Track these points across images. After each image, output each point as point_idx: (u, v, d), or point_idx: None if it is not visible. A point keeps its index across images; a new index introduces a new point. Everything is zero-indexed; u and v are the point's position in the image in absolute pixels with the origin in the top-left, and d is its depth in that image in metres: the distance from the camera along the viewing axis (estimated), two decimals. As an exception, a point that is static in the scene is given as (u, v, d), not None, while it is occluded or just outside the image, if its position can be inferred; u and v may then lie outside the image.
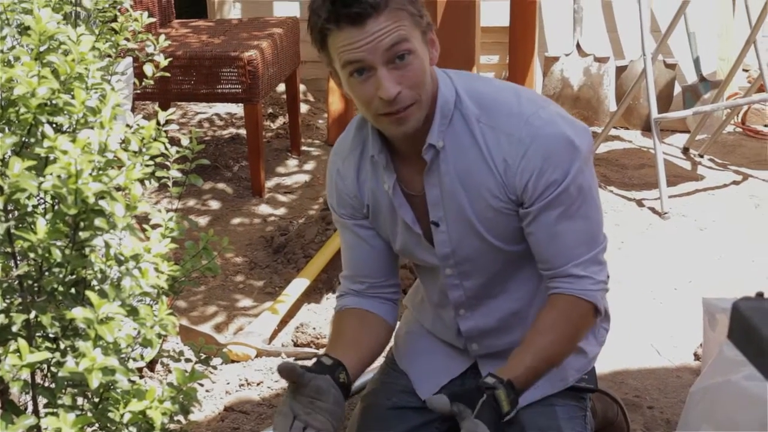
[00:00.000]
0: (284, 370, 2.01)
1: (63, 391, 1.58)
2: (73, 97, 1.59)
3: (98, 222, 1.49)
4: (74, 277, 1.59)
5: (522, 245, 2.10)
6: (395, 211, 2.12)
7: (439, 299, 2.24)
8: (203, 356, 1.92)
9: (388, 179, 2.08)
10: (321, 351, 3.41)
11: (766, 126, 5.39)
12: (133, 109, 3.62)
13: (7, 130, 1.58)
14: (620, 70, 5.38)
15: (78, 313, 1.44)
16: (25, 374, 1.46)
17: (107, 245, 1.57)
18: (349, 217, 2.19)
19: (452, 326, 2.25)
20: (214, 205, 4.64)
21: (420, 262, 2.21)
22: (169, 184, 1.98)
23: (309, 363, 3.32)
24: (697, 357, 3.32)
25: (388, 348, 2.47)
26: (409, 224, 2.12)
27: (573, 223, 2.03)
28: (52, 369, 1.61)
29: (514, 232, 2.08)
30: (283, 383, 3.24)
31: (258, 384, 3.24)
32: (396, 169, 2.09)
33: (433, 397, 1.93)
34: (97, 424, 1.57)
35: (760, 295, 1.94)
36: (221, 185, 4.81)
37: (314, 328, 3.48)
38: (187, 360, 1.96)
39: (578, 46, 5.45)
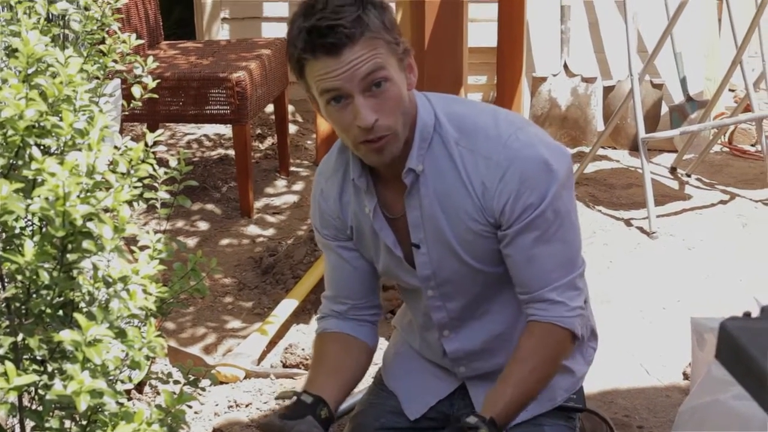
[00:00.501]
0: (264, 428, 2.03)
1: (51, 414, 1.57)
2: (61, 119, 1.59)
3: (86, 244, 1.49)
4: (62, 299, 1.59)
5: (502, 267, 2.10)
6: (377, 233, 2.12)
7: (424, 321, 2.24)
8: (192, 378, 1.91)
9: (369, 203, 2.09)
10: (310, 372, 3.41)
11: (752, 146, 5.41)
12: (121, 131, 3.62)
13: (-6, 152, 1.58)
14: (607, 90, 5.40)
15: (66, 336, 1.44)
16: (13, 397, 1.45)
17: (95, 267, 1.57)
18: (332, 238, 2.20)
19: (438, 348, 2.25)
20: (203, 226, 4.64)
21: (403, 283, 2.22)
22: (158, 205, 1.98)
23: (294, 388, 3.32)
24: (686, 376, 3.33)
25: (376, 369, 2.46)
26: (390, 247, 2.12)
27: (550, 246, 2.03)
28: (40, 392, 1.60)
29: (493, 254, 2.08)
30: (272, 405, 3.24)
31: (247, 405, 3.23)
32: (377, 192, 2.09)
33: None
34: (84, 447, 1.56)
35: (747, 314, 1.94)
36: (210, 206, 4.81)
37: (303, 349, 3.48)
38: (176, 382, 1.96)
39: (566, 66, 5.47)
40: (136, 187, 1.73)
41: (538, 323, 2.06)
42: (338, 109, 1.93)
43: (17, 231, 1.56)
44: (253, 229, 4.58)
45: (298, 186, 5.06)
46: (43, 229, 1.59)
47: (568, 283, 2.06)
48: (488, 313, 2.18)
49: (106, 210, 1.53)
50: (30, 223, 1.66)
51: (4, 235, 1.53)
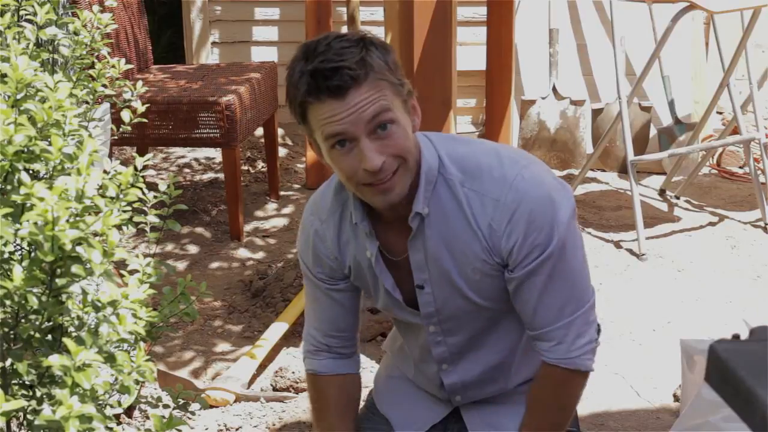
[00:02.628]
0: None
1: (39, 439, 1.56)
2: (50, 144, 1.59)
3: (75, 269, 1.49)
4: (51, 324, 1.59)
5: (508, 302, 2.09)
6: (373, 277, 2.11)
7: (421, 355, 2.23)
8: (181, 402, 1.91)
9: (370, 247, 2.07)
10: (300, 396, 3.40)
11: (741, 168, 5.43)
12: (110, 155, 3.62)
13: (-17, 177, 1.58)
14: (596, 112, 5.42)
15: (55, 361, 1.44)
16: (1, 423, 1.45)
17: (84, 292, 1.57)
18: (325, 278, 2.17)
19: (435, 380, 2.24)
20: (193, 249, 4.63)
21: (402, 319, 2.21)
22: (147, 229, 1.98)
23: (286, 404, 3.31)
24: (676, 398, 3.33)
25: (367, 392, 2.46)
26: (389, 290, 2.11)
27: (559, 283, 2.02)
28: (29, 417, 1.60)
29: (500, 291, 2.07)
30: (262, 429, 3.23)
31: (237, 429, 3.22)
32: (377, 235, 2.07)
33: None
34: (73, 473, 1.56)
35: (736, 336, 1.95)
36: (199, 229, 4.80)
37: (293, 372, 3.47)
38: (165, 406, 1.96)
39: (554, 89, 5.49)
40: (125, 211, 1.73)
41: (552, 368, 2.07)
42: (343, 153, 1.89)
43: (6, 256, 1.55)
44: (242, 253, 4.58)
45: (288, 209, 5.06)
46: (32, 254, 1.59)
47: (580, 318, 2.04)
48: (487, 345, 2.17)
49: (95, 234, 1.53)
50: (19, 247, 1.66)
51: (-8, 259, 1.53)
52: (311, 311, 2.26)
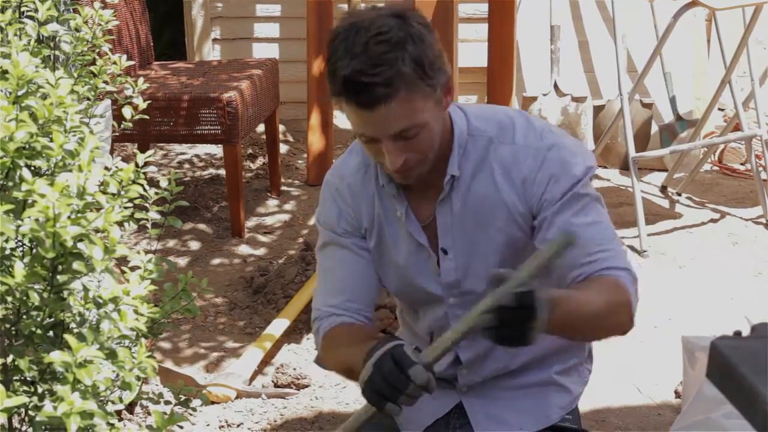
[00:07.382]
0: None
1: (41, 435, 1.56)
2: (51, 141, 1.59)
3: (76, 265, 1.49)
4: (52, 320, 1.59)
5: None
6: (400, 237, 2.12)
7: (436, 334, 2.22)
8: (183, 398, 1.91)
9: (399, 206, 2.10)
10: (302, 391, 3.40)
11: (742, 164, 5.43)
12: (112, 151, 3.62)
13: (-15, 173, 1.58)
14: (597, 109, 5.42)
15: (56, 357, 1.44)
16: (2, 419, 1.45)
17: (85, 288, 1.57)
18: (348, 234, 2.16)
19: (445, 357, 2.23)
20: (194, 245, 4.63)
21: (421, 293, 2.19)
22: (148, 225, 1.98)
23: (288, 401, 3.31)
24: (677, 395, 3.33)
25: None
26: (425, 246, 2.12)
27: (589, 218, 2.04)
28: (30, 413, 1.60)
29: (523, 254, 2.08)
30: (264, 425, 3.23)
31: (238, 425, 3.22)
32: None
33: None
34: (75, 469, 1.56)
35: (737, 333, 1.95)
36: (201, 226, 4.80)
37: (294, 369, 3.47)
38: (167, 402, 1.96)
39: (556, 86, 5.49)
40: (126, 208, 1.73)
41: (600, 276, 1.99)
42: (367, 145, 1.97)
43: (7, 252, 1.56)
44: (244, 249, 4.58)
45: (289, 206, 5.06)
46: (34, 251, 1.59)
47: (617, 252, 2.02)
48: None
49: (97, 231, 1.53)
50: (20, 244, 1.66)
51: (-6, 256, 1.53)
52: (329, 284, 2.19)
